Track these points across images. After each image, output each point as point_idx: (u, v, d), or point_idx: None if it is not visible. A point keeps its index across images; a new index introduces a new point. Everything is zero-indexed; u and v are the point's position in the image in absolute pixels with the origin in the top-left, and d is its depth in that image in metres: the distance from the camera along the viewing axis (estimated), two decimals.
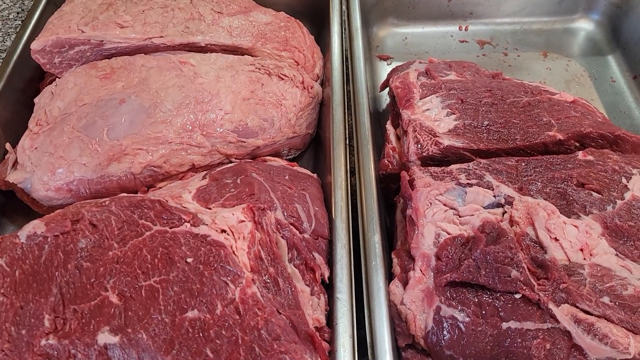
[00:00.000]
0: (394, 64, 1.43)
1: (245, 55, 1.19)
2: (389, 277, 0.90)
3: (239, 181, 0.94)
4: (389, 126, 1.15)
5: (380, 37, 1.53)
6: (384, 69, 1.45)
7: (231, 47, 1.20)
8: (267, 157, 1.11)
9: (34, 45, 1.14)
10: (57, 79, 1.16)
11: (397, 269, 0.89)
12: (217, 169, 1.00)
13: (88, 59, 1.19)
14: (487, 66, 1.35)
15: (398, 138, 1.11)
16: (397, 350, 0.83)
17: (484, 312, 0.78)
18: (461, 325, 0.78)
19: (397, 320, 0.83)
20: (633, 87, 1.38)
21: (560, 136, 0.99)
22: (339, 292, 0.86)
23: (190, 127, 1.05)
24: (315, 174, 1.08)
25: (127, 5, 1.21)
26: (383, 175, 1.06)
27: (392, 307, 0.84)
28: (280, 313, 0.78)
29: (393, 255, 0.92)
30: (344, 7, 1.34)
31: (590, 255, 0.82)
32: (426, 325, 0.80)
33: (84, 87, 1.10)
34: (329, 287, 0.90)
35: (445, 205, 0.90)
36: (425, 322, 0.81)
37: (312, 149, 1.26)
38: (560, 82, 1.41)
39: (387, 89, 1.24)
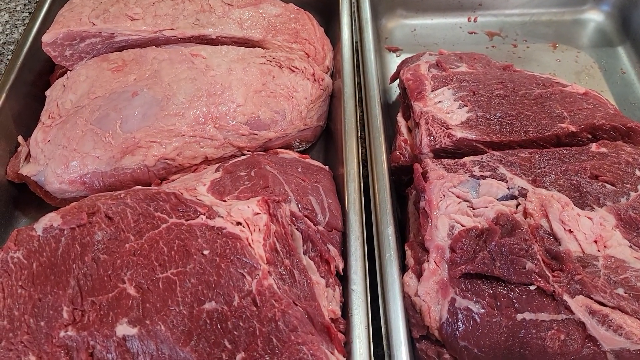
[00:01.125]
0: (403, 56, 1.42)
1: (256, 48, 1.19)
2: (402, 268, 0.90)
3: (252, 174, 0.94)
4: (399, 118, 1.15)
5: (389, 28, 1.53)
6: (393, 61, 1.45)
7: (242, 39, 1.20)
8: (279, 150, 1.11)
9: (45, 38, 1.14)
10: (68, 71, 1.16)
11: (410, 261, 0.89)
12: (230, 162, 1.00)
13: (99, 51, 1.19)
14: (497, 58, 1.34)
15: (409, 130, 1.11)
16: (411, 341, 0.84)
17: (498, 304, 0.78)
18: (476, 316, 0.78)
19: (412, 311, 0.84)
20: None
21: (572, 128, 0.99)
22: (353, 284, 0.86)
23: (203, 120, 1.05)
24: (327, 166, 1.09)
25: None
26: (394, 168, 1.06)
27: (406, 298, 0.85)
28: (296, 305, 0.78)
29: (406, 247, 0.92)
30: None
31: (605, 247, 0.82)
32: (441, 316, 0.81)
33: (96, 79, 1.10)
34: (343, 279, 0.91)
35: (458, 197, 0.90)
36: (440, 313, 0.81)
37: (322, 141, 1.26)
38: (570, 73, 1.40)
39: (397, 80, 1.24)
